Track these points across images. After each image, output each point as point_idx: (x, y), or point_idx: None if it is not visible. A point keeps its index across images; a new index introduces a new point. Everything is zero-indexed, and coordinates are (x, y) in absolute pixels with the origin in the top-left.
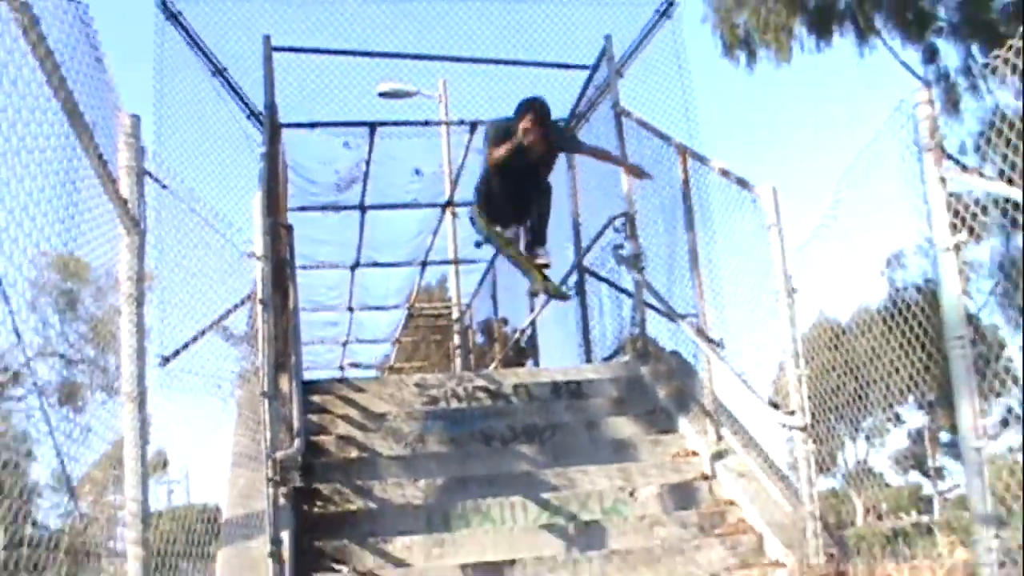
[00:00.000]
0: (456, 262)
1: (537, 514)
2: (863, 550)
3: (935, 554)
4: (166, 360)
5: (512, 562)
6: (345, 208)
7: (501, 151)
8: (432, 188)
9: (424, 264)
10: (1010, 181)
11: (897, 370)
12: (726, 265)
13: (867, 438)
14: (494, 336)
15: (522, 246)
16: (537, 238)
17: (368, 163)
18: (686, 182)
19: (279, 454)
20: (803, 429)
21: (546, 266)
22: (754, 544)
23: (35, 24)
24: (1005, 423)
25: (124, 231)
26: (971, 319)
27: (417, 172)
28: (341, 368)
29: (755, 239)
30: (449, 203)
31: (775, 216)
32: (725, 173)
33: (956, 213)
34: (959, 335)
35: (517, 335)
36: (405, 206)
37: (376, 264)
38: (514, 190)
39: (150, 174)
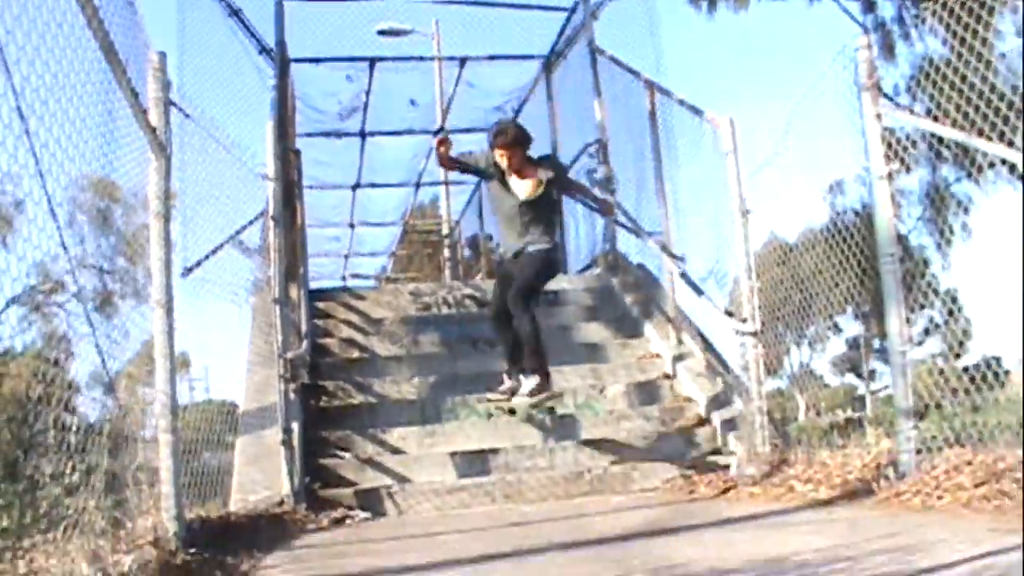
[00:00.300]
0: (447, 183)
1: (513, 418)
2: (803, 441)
3: (864, 443)
4: (188, 270)
5: (496, 450)
6: (347, 135)
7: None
8: (426, 117)
9: (418, 185)
10: (935, 118)
11: (837, 284)
12: (690, 189)
13: (810, 344)
14: (480, 250)
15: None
16: (529, 358)
17: (368, 94)
18: (652, 114)
19: (289, 354)
20: (754, 335)
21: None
22: (709, 435)
23: None
24: (927, 332)
25: (153, 156)
26: (901, 240)
27: (412, 103)
28: (343, 279)
29: (715, 167)
30: (441, 130)
31: (732, 144)
32: (683, 103)
33: (889, 146)
34: (890, 252)
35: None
36: (401, 133)
37: (374, 185)
38: (505, 264)
39: (175, 104)
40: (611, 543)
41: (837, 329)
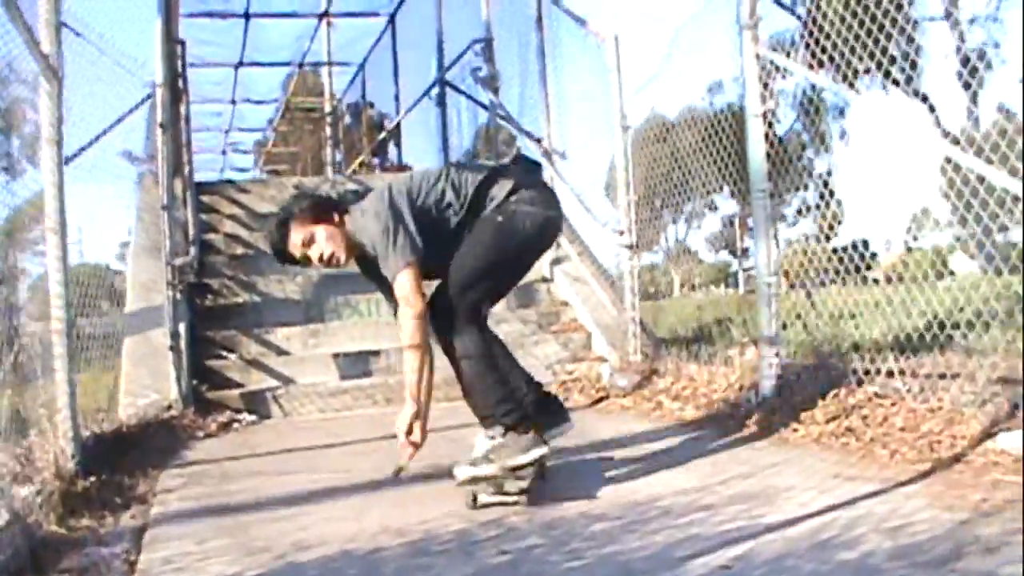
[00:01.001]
0: (330, 64)
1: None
2: (672, 352)
3: (728, 356)
4: (68, 160)
5: (377, 352)
6: (231, 15)
7: None
8: (312, 2)
9: (301, 65)
10: (815, 22)
11: (714, 163)
12: (574, 94)
13: (686, 221)
14: (362, 118)
15: None
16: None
17: None
18: (539, 19)
19: (177, 261)
20: (630, 247)
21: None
22: (584, 341)
23: None
24: (800, 212)
25: (45, 81)
26: (780, 140)
27: None
28: (224, 152)
29: (601, 77)
30: (326, 13)
31: (615, 61)
32: (569, 13)
33: (766, 86)
34: (762, 188)
35: (384, 134)
36: (286, 15)
37: (258, 64)
38: None
39: (66, 24)
40: None
41: (713, 207)
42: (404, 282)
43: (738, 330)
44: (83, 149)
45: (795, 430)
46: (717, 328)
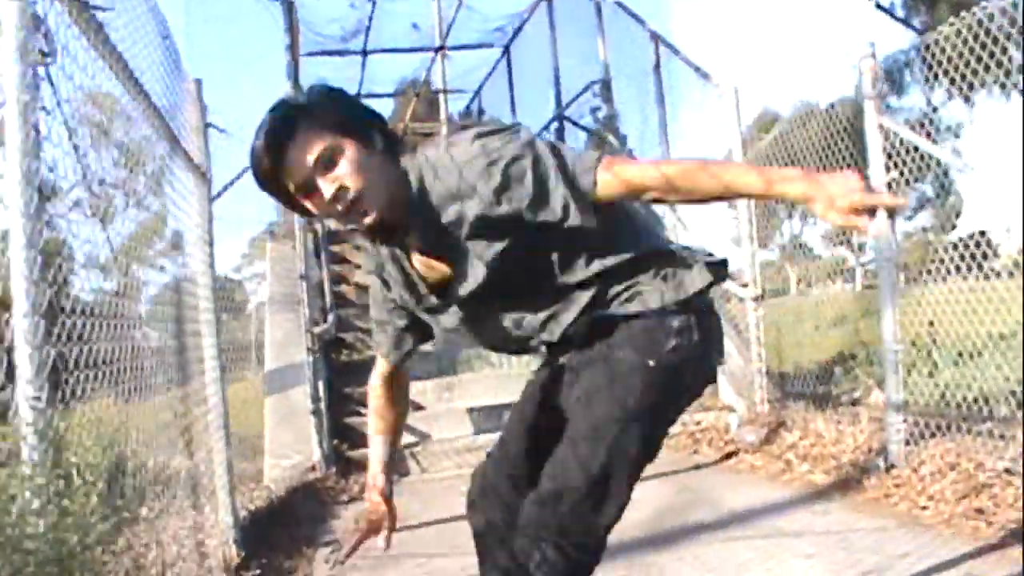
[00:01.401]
0: (445, 91)
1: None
2: (800, 405)
3: (855, 405)
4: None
5: (510, 405)
6: (349, 53)
7: None
8: (427, 37)
9: (417, 95)
10: (928, 135)
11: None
12: (693, 138)
13: (802, 217)
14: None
15: None
16: None
17: (371, 19)
18: (657, 66)
19: (317, 329)
20: (754, 299)
21: None
22: (710, 389)
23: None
24: (919, 207)
25: (195, 185)
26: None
27: (415, 26)
28: None
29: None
30: (441, 47)
31: (736, 114)
32: (689, 63)
33: (889, 156)
34: (887, 258)
35: None
36: (402, 51)
37: (373, 95)
38: None
39: (213, 125)
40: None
41: None
42: (618, 166)
43: (862, 369)
44: (219, 194)
45: (924, 508)
46: (841, 367)
